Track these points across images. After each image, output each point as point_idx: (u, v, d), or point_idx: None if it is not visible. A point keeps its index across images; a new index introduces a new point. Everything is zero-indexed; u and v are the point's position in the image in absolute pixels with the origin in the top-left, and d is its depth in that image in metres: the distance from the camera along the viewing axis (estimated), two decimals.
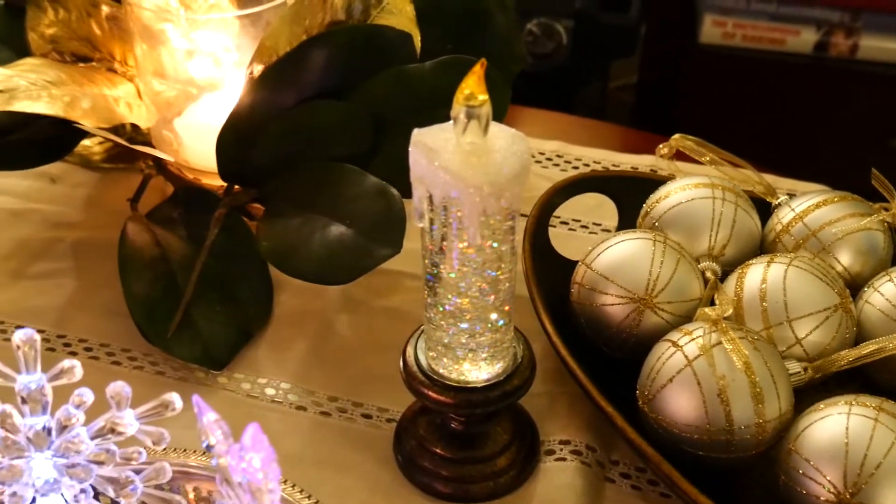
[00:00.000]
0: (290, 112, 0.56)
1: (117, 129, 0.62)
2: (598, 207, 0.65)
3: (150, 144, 0.62)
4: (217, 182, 0.59)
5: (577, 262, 0.55)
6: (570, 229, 0.67)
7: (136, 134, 0.65)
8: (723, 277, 0.54)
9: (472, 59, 0.45)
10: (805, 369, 0.49)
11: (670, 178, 0.60)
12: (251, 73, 0.55)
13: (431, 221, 0.42)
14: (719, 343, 0.46)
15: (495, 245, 0.42)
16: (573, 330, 0.53)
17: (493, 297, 0.44)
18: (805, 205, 0.56)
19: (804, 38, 1.32)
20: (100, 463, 0.36)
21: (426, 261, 0.44)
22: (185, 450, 0.46)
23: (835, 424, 0.44)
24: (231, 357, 0.57)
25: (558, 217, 0.66)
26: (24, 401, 0.34)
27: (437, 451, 0.49)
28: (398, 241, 0.52)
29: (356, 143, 0.57)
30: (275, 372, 0.56)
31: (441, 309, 0.44)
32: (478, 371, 0.46)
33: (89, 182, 0.70)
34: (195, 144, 0.61)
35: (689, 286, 0.52)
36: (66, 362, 0.35)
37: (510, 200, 0.40)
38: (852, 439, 0.43)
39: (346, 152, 0.57)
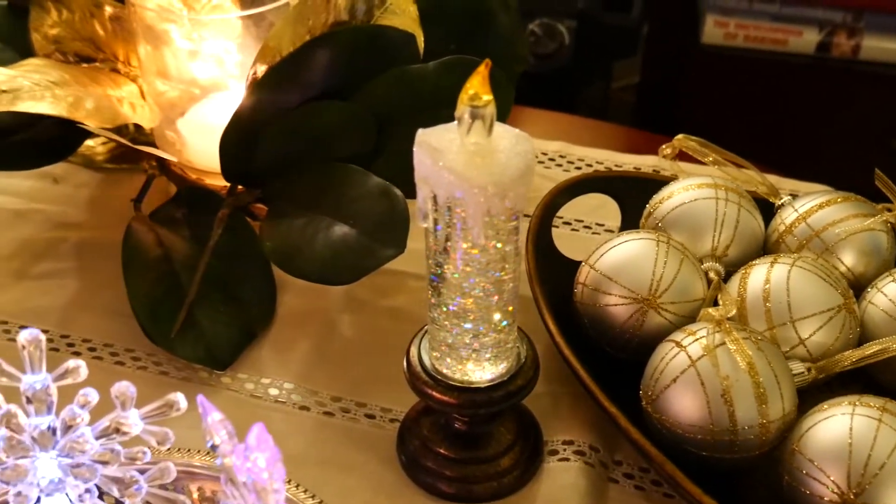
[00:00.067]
0: (293, 112, 0.56)
1: (120, 130, 0.63)
2: (601, 208, 0.65)
3: (153, 145, 0.62)
4: (220, 182, 0.59)
5: (580, 262, 0.55)
6: (573, 230, 0.67)
7: (139, 134, 0.65)
8: (726, 278, 0.54)
9: (475, 59, 0.45)
10: (808, 370, 0.49)
11: (673, 178, 0.60)
12: (254, 73, 0.55)
13: (435, 221, 0.42)
14: (723, 343, 0.46)
15: (499, 245, 0.42)
16: (576, 330, 0.53)
17: (496, 297, 0.44)
18: (808, 205, 0.56)
19: (806, 39, 1.32)
20: (104, 463, 0.36)
21: (430, 261, 0.44)
22: (189, 450, 0.46)
23: (838, 425, 0.44)
24: (234, 357, 0.57)
25: (561, 217, 0.66)
26: (29, 401, 0.34)
27: (441, 451, 0.49)
28: (402, 242, 0.52)
29: (359, 144, 0.57)
30: (278, 372, 0.56)
31: (445, 309, 0.44)
32: (481, 371, 0.46)
33: (92, 182, 0.70)
34: (198, 145, 0.61)
35: (692, 287, 0.52)
36: (71, 362, 0.35)
37: (514, 200, 0.40)
38: (856, 440, 0.43)
39: (350, 152, 0.57)
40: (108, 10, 0.62)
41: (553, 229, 0.59)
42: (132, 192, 0.63)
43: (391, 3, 0.59)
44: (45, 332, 0.35)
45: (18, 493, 0.35)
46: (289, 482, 0.46)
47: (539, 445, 0.51)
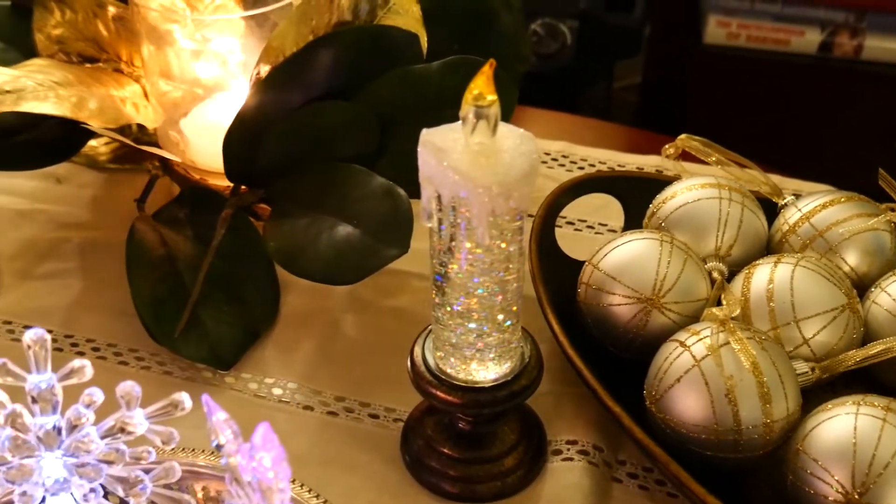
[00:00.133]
0: (296, 112, 0.56)
1: (124, 130, 0.63)
2: (604, 208, 0.65)
3: (156, 145, 0.62)
4: (224, 182, 0.59)
5: (583, 262, 0.55)
6: (576, 229, 0.67)
7: (142, 134, 0.65)
8: (729, 278, 0.54)
9: (478, 59, 0.45)
10: (812, 369, 0.49)
11: (676, 178, 0.60)
12: (258, 73, 0.55)
13: (440, 221, 0.42)
14: (727, 343, 0.46)
15: (503, 245, 0.42)
16: (580, 330, 0.53)
17: (501, 297, 0.44)
18: (812, 205, 0.56)
19: (808, 39, 1.32)
20: (109, 462, 0.36)
21: (434, 261, 0.44)
22: (193, 449, 0.46)
23: (843, 424, 0.44)
24: (238, 357, 0.57)
25: (564, 217, 0.66)
26: (34, 400, 0.34)
27: (445, 450, 0.49)
28: (405, 242, 0.52)
29: (363, 144, 0.57)
30: (282, 372, 0.56)
31: (449, 309, 0.44)
32: (485, 371, 0.46)
33: (96, 182, 0.70)
34: (202, 145, 0.61)
35: (696, 286, 0.52)
36: (77, 362, 0.35)
37: (519, 200, 0.40)
38: (860, 439, 0.43)
39: (353, 153, 0.57)
40: (112, 10, 0.62)
41: (556, 229, 0.59)
42: (135, 193, 0.63)
43: (394, 3, 0.59)
44: (49, 332, 0.35)
45: (24, 493, 0.35)
46: (293, 482, 0.46)
47: (543, 445, 0.51)
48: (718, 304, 0.51)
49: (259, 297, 0.59)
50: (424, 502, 0.49)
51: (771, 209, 0.58)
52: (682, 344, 0.47)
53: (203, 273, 0.56)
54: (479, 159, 0.39)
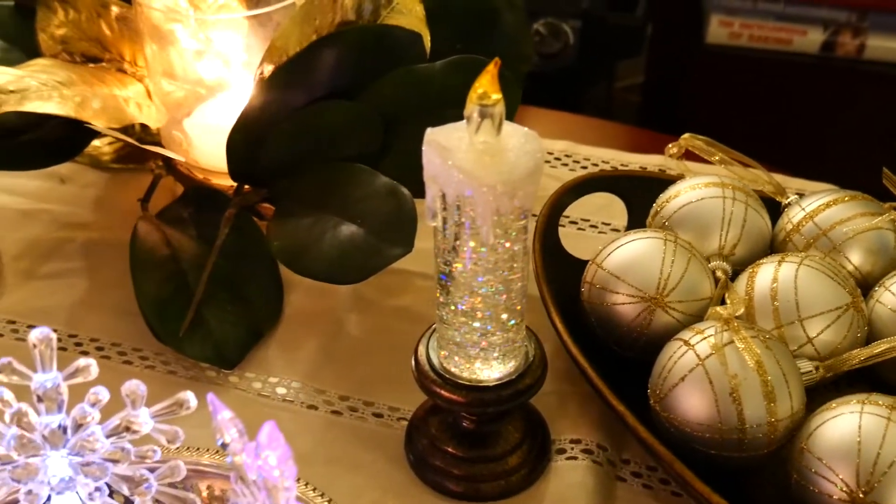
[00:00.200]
0: (300, 112, 0.56)
1: (127, 130, 0.63)
2: (608, 207, 0.65)
3: (159, 144, 0.62)
4: (227, 182, 0.59)
5: (586, 261, 0.55)
6: (580, 229, 0.67)
7: (145, 134, 0.65)
8: (733, 277, 0.54)
9: (481, 58, 0.45)
10: (816, 368, 0.49)
11: (679, 177, 0.60)
12: (261, 73, 0.55)
13: (444, 220, 0.42)
14: (731, 342, 0.46)
15: (508, 244, 0.42)
16: (584, 329, 0.53)
17: (505, 296, 0.44)
18: (815, 204, 0.56)
19: (811, 38, 1.32)
20: (115, 461, 0.36)
21: (439, 260, 0.44)
22: (198, 448, 0.46)
23: (847, 423, 0.44)
24: (242, 356, 0.57)
25: (567, 217, 0.66)
26: (39, 399, 0.34)
27: (449, 449, 0.50)
28: (409, 241, 0.52)
29: (366, 143, 0.57)
30: (286, 371, 0.56)
31: (453, 308, 0.44)
32: (490, 370, 0.46)
33: (99, 182, 0.70)
34: (205, 144, 0.61)
35: (699, 285, 0.52)
36: (82, 361, 0.35)
37: (523, 199, 0.40)
38: (865, 438, 0.43)
39: (356, 152, 0.57)
40: (115, 10, 0.62)
41: (560, 228, 0.59)
42: (139, 192, 0.63)
43: (397, 3, 0.59)
44: (53, 331, 0.35)
45: (29, 492, 0.35)
46: (297, 481, 0.46)
47: (547, 444, 0.51)
48: (722, 303, 0.51)
49: (263, 297, 0.59)
50: (428, 501, 0.49)
51: (774, 208, 0.58)
52: (686, 343, 0.47)
53: (207, 272, 0.56)
54: (484, 158, 0.39)
